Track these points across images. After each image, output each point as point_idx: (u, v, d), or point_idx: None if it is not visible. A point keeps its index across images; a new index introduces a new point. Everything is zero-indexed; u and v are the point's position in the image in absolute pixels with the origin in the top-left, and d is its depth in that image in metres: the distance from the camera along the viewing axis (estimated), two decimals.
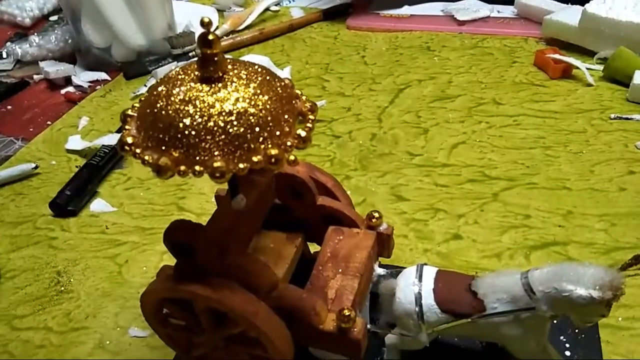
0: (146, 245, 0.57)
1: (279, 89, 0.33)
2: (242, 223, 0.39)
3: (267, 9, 1.09)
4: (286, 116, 0.32)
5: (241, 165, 0.30)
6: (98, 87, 0.88)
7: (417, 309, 0.37)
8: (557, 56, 0.79)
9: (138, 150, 0.31)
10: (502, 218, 0.56)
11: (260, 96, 0.31)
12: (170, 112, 0.30)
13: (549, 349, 0.37)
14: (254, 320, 0.34)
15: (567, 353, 0.42)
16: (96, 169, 0.65)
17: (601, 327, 0.44)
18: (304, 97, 0.35)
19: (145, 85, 0.86)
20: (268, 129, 0.31)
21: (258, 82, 0.32)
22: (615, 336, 0.43)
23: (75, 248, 0.58)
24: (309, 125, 0.33)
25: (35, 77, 0.91)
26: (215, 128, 0.30)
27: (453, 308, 0.36)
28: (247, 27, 1.04)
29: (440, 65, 0.86)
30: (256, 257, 0.36)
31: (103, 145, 0.69)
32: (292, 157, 0.32)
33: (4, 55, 0.96)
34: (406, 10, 1.03)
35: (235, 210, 0.39)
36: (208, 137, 0.30)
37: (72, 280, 0.54)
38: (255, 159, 0.30)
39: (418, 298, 0.37)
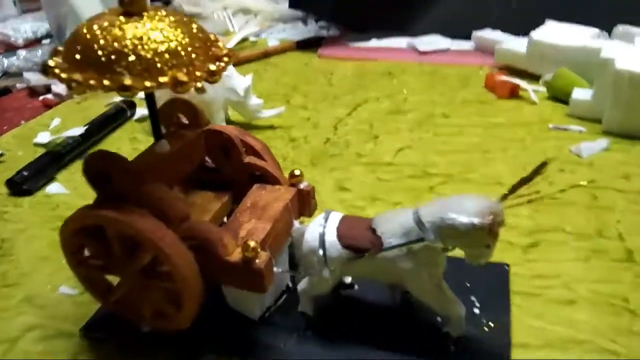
0: None
1: (195, 30, 0.37)
2: (163, 165, 0.42)
3: (246, 39, 1.16)
4: (198, 52, 0.36)
5: (147, 84, 0.33)
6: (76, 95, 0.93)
7: (320, 245, 0.39)
8: (504, 78, 0.84)
9: (57, 71, 0.34)
10: None
11: (174, 30, 0.35)
12: (89, 37, 0.34)
13: (443, 286, 0.39)
14: (160, 245, 0.36)
15: (476, 311, 0.43)
16: (58, 156, 0.68)
17: (514, 293, 0.45)
18: (222, 45, 0.39)
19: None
20: (178, 57, 0.34)
21: (174, 20, 0.36)
22: (527, 301, 0.45)
23: (24, 221, 0.60)
24: (221, 64, 0.37)
25: (18, 85, 0.96)
26: (126, 50, 0.33)
27: (353, 243, 0.38)
28: None
29: (399, 87, 0.91)
30: (175, 193, 0.39)
31: (68, 136, 0.72)
32: (199, 85, 0.35)
33: None
34: (374, 43, 1.09)
35: (158, 152, 0.42)
36: (119, 58, 0.33)
37: (14, 246, 0.55)
38: (161, 79, 0.34)
39: (322, 235, 0.39)
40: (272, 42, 1.14)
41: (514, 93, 0.83)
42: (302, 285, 0.42)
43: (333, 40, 1.13)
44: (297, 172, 0.45)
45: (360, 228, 0.39)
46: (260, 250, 0.38)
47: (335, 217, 0.40)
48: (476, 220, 0.34)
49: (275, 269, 0.40)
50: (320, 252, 0.39)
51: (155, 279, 0.40)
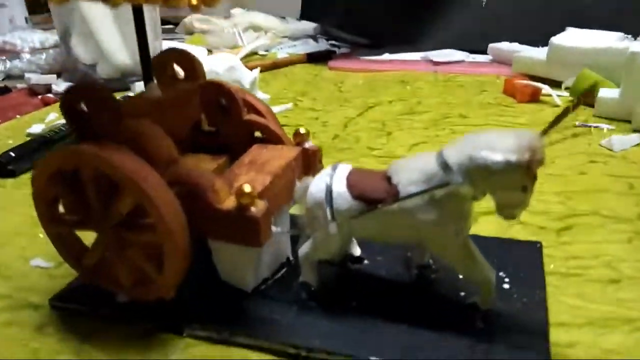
0: None
1: None
2: (151, 111, 0.37)
3: (255, 53, 1.14)
4: None
5: None
6: None
7: (327, 196, 0.34)
8: (525, 82, 0.80)
9: None
10: None
11: None
12: None
13: (470, 245, 0.33)
14: (142, 186, 0.31)
15: (506, 286, 0.37)
16: (48, 141, 0.64)
17: (548, 274, 0.39)
18: None
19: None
20: None
21: None
22: (563, 281, 0.39)
23: (4, 200, 0.55)
24: None
25: (19, 85, 0.93)
26: None
27: (365, 193, 0.33)
28: None
29: (412, 92, 0.87)
30: (158, 126, 0.34)
31: (62, 124, 0.69)
32: (194, 2, 0.31)
33: None
34: (386, 56, 1.07)
35: (146, 97, 0.38)
36: None
37: None
38: None
39: (329, 185, 0.34)
40: (282, 56, 1.12)
41: (535, 97, 0.79)
42: (304, 249, 0.36)
43: (344, 55, 1.11)
44: (302, 130, 0.41)
45: (373, 178, 0.34)
46: (257, 200, 0.33)
47: (345, 168, 0.35)
48: (513, 158, 0.29)
49: (273, 227, 0.35)
50: (327, 203, 0.34)
51: (135, 232, 0.34)
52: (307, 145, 0.41)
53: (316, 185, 0.34)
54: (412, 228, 0.33)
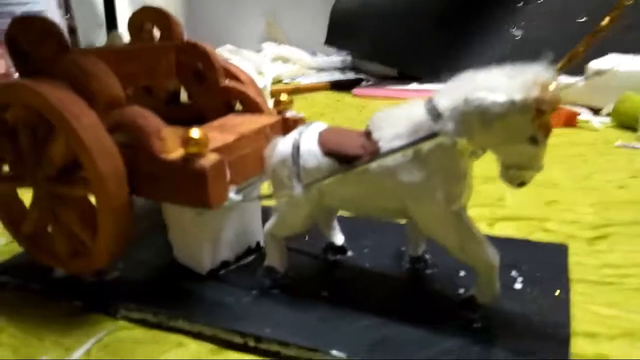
0: None
1: None
2: (110, 59, 0.33)
3: (279, 80, 1.12)
4: None
5: None
6: None
7: (293, 152, 0.28)
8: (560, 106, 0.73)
9: None
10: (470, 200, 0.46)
11: None
12: None
13: (466, 218, 0.26)
14: (73, 124, 0.26)
15: (518, 286, 0.29)
16: None
17: (576, 281, 0.32)
18: None
19: None
20: None
21: None
22: (593, 289, 0.31)
23: None
24: None
25: None
26: None
27: (338, 149, 0.27)
28: None
29: None
30: (104, 65, 0.29)
31: None
32: None
33: None
34: (414, 86, 1.02)
35: (109, 45, 0.34)
36: None
37: None
38: None
39: (297, 141, 0.28)
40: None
41: (570, 122, 0.72)
42: (268, 224, 0.30)
43: (370, 84, 1.07)
44: (283, 98, 0.35)
45: (351, 134, 0.28)
46: (209, 152, 0.28)
47: (321, 125, 0.29)
48: (517, 97, 0.23)
49: (232, 194, 0.29)
50: (293, 161, 0.28)
51: (68, 185, 0.29)
52: (288, 114, 0.35)
53: (284, 142, 0.29)
54: (394, 194, 0.26)
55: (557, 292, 0.28)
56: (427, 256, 0.32)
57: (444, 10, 1.02)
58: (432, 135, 0.25)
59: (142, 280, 0.32)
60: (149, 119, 0.28)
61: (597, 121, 0.70)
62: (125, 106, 0.29)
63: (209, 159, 0.27)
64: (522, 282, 0.30)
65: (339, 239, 0.34)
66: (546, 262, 0.32)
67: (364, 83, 1.09)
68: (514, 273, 0.31)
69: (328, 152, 0.27)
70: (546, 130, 0.23)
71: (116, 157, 0.28)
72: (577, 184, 0.49)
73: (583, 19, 0.97)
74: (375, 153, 0.26)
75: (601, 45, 0.80)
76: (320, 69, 1.22)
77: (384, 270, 0.32)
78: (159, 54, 0.36)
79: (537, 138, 0.23)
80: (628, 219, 0.41)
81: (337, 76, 1.15)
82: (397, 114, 0.27)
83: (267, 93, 0.69)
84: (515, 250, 0.33)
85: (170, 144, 0.28)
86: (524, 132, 0.23)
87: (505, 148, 0.24)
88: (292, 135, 0.29)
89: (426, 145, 0.25)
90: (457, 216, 0.26)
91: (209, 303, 0.29)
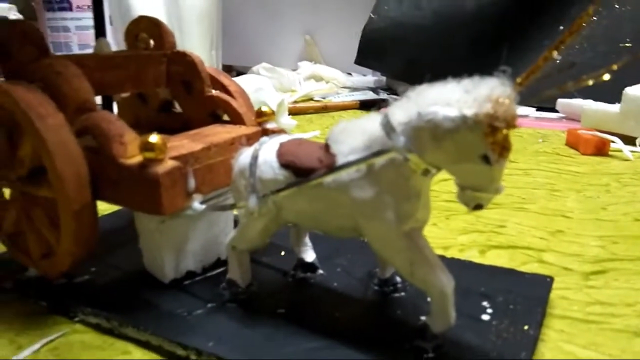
0: None
1: None
2: (94, 65, 0.34)
3: (310, 98, 1.12)
4: None
5: None
6: None
7: (251, 162, 0.27)
8: (591, 132, 0.70)
9: None
10: (468, 224, 0.44)
11: None
12: None
13: (420, 241, 0.24)
14: (37, 125, 0.27)
15: (485, 317, 0.27)
16: None
17: (557, 317, 0.29)
18: None
19: None
20: None
21: None
22: (575, 328, 0.28)
23: None
24: None
25: None
26: None
27: (294, 161, 0.26)
28: None
29: None
30: (78, 69, 0.30)
31: None
32: None
33: None
34: None
35: (96, 53, 0.35)
36: None
37: None
38: None
39: (256, 151, 0.28)
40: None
41: (601, 150, 0.68)
42: (229, 236, 0.30)
43: None
44: (265, 109, 0.35)
45: (312, 146, 0.27)
46: (167, 159, 0.27)
47: (284, 137, 0.29)
48: (468, 112, 0.21)
49: (196, 203, 0.29)
50: (249, 171, 0.27)
51: (36, 186, 0.30)
52: (269, 125, 0.35)
53: (245, 152, 0.28)
54: (348, 210, 0.25)
55: (526, 327, 0.26)
56: (397, 279, 0.31)
57: (479, 31, 1.00)
58: (384, 151, 0.23)
59: (108, 286, 0.32)
60: (112, 124, 0.28)
61: (630, 151, 0.66)
62: (95, 111, 0.29)
63: (164, 166, 0.27)
64: (491, 313, 0.28)
65: (309, 255, 0.33)
66: (524, 295, 0.29)
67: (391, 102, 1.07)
68: (485, 303, 0.29)
69: (285, 164, 0.26)
70: (501, 149, 0.22)
71: (79, 160, 0.28)
72: (590, 215, 0.46)
73: (627, 44, 0.92)
74: (331, 166, 0.25)
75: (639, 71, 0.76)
76: (354, 89, 1.22)
77: (350, 291, 0.30)
78: (147, 63, 0.37)
79: (490, 157, 0.21)
80: (635, 255, 0.38)
81: (370, 96, 1.14)
82: (355, 127, 0.26)
83: (283, 108, 0.69)
84: (495, 280, 0.31)
85: (132, 149, 0.28)
86: (475, 150, 0.21)
87: (458, 167, 0.22)
88: (254, 146, 0.28)
89: (378, 161, 0.24)
90: (409, 237, 0.24)
91: (161, 313, 0.28)
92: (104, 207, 0.32)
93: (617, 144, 0.68)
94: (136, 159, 0.28)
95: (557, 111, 0.92)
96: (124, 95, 0.41)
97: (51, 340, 0.28)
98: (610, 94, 0.78)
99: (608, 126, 0.75)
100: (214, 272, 0.33)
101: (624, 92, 0.72)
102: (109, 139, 0.28)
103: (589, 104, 0.79)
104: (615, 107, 0.74)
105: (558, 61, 0.23)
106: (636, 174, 0.59)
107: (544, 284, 0.31)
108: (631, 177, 0.58)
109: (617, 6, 0.95)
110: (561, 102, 0.89)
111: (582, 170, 0.61)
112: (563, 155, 0.68)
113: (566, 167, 0.62)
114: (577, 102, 0.86)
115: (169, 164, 0.27)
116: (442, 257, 0.30)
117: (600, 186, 0.55)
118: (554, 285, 0.31)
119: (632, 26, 0.92)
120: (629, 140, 0.70)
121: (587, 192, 0.53)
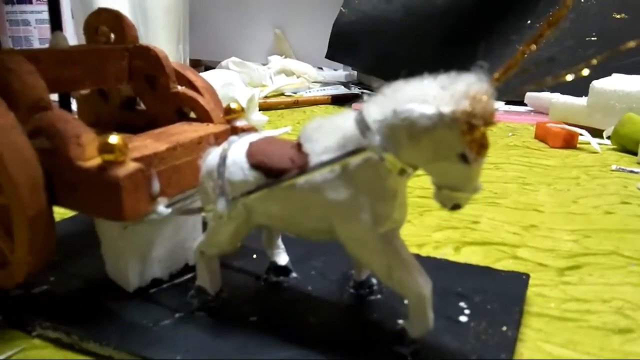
0: None
1: None
2: (50, 60, 0.31)
3: (282, 93, 1.10)
4: None
5: None
6: None
7: (219, 163, 0.26)
8: (559, 125, 0.70)
9: None
10: (442, 221, 0.43)
11: None
12: None
13: (396, 242, 0.24)
14: None
15: (463, 319, 0.27)
16: None
17: (534, 316, 0.29)
18: None
19: None
20: None
21: None
22: (552, 326, 0.28)
23: None
24: None
25: None
26: None
27: (264, 161, 0.25)
28: None
29: None
30: (32, 67, 0.28)
31: None
32: None
33: None
34: None
35: (52, 48, 0.33)
36: None
37: None
38: None
39: (225, 151, 0.26)
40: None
41: (570, 143, 0.68)
42: (198, 239, 0.28)
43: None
44: (234, 106, 0.34)
45: (283, 145, 0.26)
46: (128, 161, 0.26)
47: (255, 136, 0.27)
48: (446, 109, 0.20)
49: (161, 207, 0.27)
50: (217, 173, 0.26)
51: None
52: (238, 123, 0.33)
53: (213, 152, 0.27)
54: (322, 212, 0.24)
55: (504, 328, 0.26)
56: (373, 281, 0.30)
57: (449, 26, 1.00)
58: (359, 150, 0.22)
59: (68, 296, 0.30)
60: (69, 123, 0.27)
61: (598, 143, 0.67)
62: (52, 110, 0.27)
63: (126, 168, 0.25)
64: (468, 314, 0.27)
65: (282, 258, 0.32)
66: (501, 294, 0.29)
67: (365, 98, 1.07)
68: (462, 304, 0.28)
69: (255, 165, 0.25)
70: (479, 147, 0.21)
71: (32, 163, 0.26)
72: (562, 209, 0.46)
73: (592, 38, 0.93)
74: (304, 167, 0.24)
75: (605, 66, 0.77)
76: (325, 83, 1.21)
77: (325, 295, 0.29)
78: (107, 57, 0.35)
79: (468, 156, 0.21)
80: (608, 249, 0.38)
81: (342, 90, 1.13)
82: (329, 124, 0.24)
83: (254, 104, 0.67)
84: (471, 279, 0.31)
85: (90, 150, 0.26)
86: (453, 149, 0.21)
87: (434, 166, 0.22)
88: (223, 145, 0.27)
89: (353, 161, 0.23)
90: (385, 239, 0.23)
91: (125, 325, 0.27)
92: (63, 210, 0.30)
93: (585, 136, 0.69)
94: (95, 161, 0.26)
95: (525, 104, 0.93)
96: (84, 92, 0.39)
97: (7, 358, 0.26)
98: (578, 87, 0.79)
99: (576, 119, 0.76)
100: (182, 279, 0.31)
101: (590, 85, 0.73)
102: (64, 139, 0.26)
103: (557, 98, 0.80)
104: (582, 101, 0.75)
105: (526, 55, 0.22)
106: (605, 166, 0.59)
107: (520, 281, 0.31)
108: (600, 169, 0.58)
109: (582, 0, 0.96)
110: (529, 96, 0.90)
111: (552, 164, 0.61)
112: (533, 149, 0.68)
113: (536, 161, 0.62)
114: (545, 95, 0.87)
115: (131, 166, 0.25)
116: (417, 256, 0.29)
117: (570, 179, 0.55)
118: (530, 282, 0.31)
119: (597, 20, 0.94)
120: (596, 133, 0.71)
121: (557, 185, 0.53)
